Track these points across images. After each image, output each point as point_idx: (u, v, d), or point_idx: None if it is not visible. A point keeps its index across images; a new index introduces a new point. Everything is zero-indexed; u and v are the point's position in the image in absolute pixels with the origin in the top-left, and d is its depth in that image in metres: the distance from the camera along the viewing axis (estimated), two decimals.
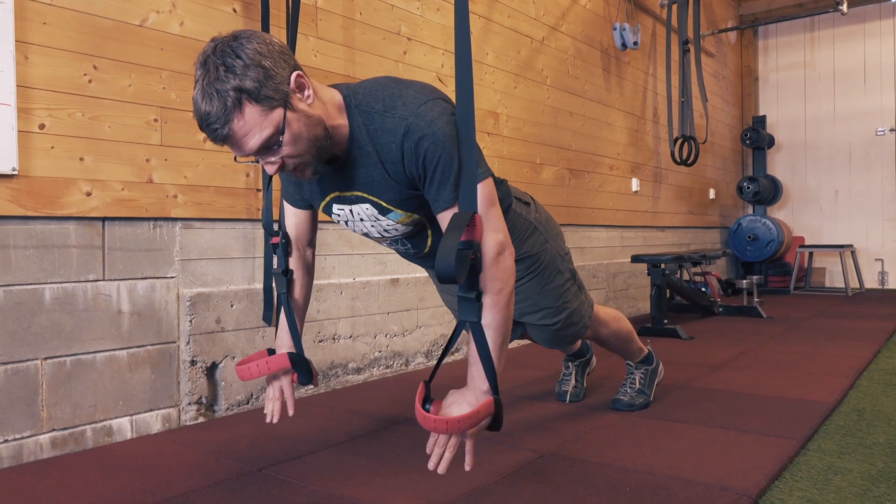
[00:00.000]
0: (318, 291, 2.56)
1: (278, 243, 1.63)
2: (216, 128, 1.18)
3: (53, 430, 1.86)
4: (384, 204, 1.40)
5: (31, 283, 1.82)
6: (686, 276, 4.79)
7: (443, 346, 3.14)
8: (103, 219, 1.97)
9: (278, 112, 1.21)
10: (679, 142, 5.28)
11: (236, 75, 1.16)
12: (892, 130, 6.59)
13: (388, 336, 2.89)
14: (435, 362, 3.06)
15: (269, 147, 1.23)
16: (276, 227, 1.75)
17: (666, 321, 3.85)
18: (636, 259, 4.05)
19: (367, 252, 2.83)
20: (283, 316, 1.64)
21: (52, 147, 1.85)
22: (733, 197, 7.03)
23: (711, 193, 6.46)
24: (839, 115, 6.88)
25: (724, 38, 6.86)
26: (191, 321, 2.15)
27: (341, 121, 1.33)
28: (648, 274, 3.99)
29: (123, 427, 2.01)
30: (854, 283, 6.44)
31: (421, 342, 3.05)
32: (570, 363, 2.38)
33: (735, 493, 1.45)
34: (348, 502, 1.46)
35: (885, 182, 6.62)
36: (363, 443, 1.89)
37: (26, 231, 1.81)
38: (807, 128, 7.06)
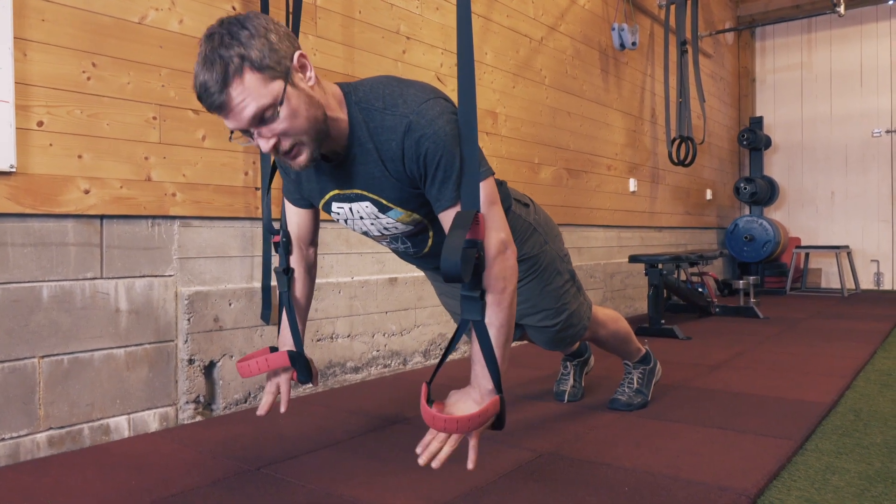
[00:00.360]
0: (317, 290, 2.55)
1: (279, 242, 1.63)
2: (214, 92, 1.17)
3: (50, 428, 1.85)
4: (384, 202, 1.40)
5: (28, 281, 1.81)
6: (683, 277, 4.80)
7: (441, 346, 3.14)
8: (101, 217, 1.96)
9: (278, 84, 1.20)
10: (676, 142, 5.29)
11: (241, 44, 1.17)
12: (888, 132, 6.61)
13: (387, 335, 2.89)
14: (434, 362, 3.07)
15: (264, 119, 1.21)
16: (277, 226, 1.75)
17: (663, 321, 3.86)
18: (633, 259, 4.05)
19: (366, 251, 2.82)
20: (285, 315, 1.64)
21: (51, 144, 1.84)
22: (730, 197, 7.04)
23: (708, 194, 6.47)
24: (836, 116, 6.90)
25: (722, 39, 6.87)
26: (189, 320, 2.15)
27: (341, 114, 1.32)
28: (646, 274, 4.00)
29: (121, 426, 2.00)
30: (850, 284, 6.47)
31: (419, 341, 3.05)
32: (568, 363, 2.38)
33: (734, 493, 1.45)
34: (347, 501, 1.46)
35: (881, 183, 6.65)
36: (361, 442, 1.89)
37: (24, 229, 1.80)
38: (803, 129, 7.08)
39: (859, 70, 6.78)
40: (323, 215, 1.63)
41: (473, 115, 1.26)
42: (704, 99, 5.63)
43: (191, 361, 2.16)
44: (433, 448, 1.23)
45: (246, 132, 1.24)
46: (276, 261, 1.69)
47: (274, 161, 1.71)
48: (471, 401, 1.26)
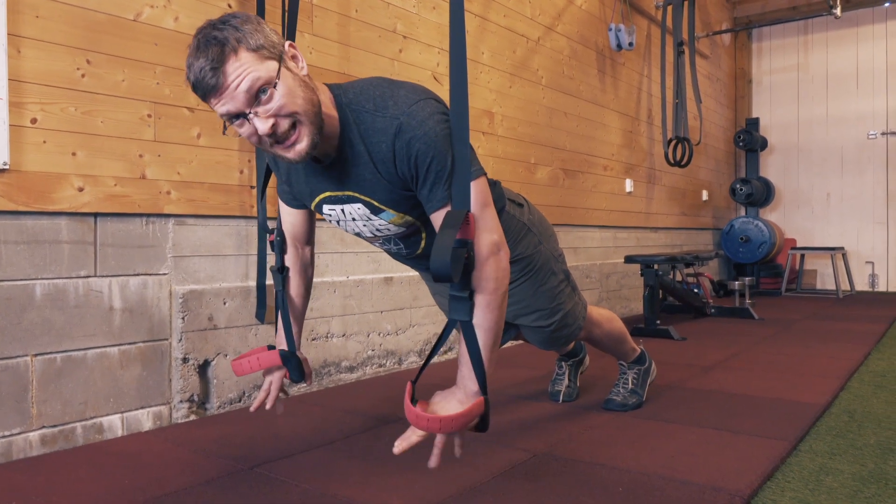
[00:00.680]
0: (312, 289, 2.55)
1: (275, 241, 1.63)
2: (208, 72, 1.16)
3: (43, 427, 1.84)
4: (376, 203, 1.39)
5: (21, 279, 1.80)
6: (679, 277, 4.81)
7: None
8: (95, 214, 1.95)
9: (273, 63, 1.20)
10: (673, 143, 5.29)
11: (234, 28, 1.18)
12: (883, 134, 6.63)
13: (382, 335, 2.88)
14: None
15: (260, 98, 1.19)
16: (272, 224, 1.74)
17: (658, 322, 3.86)
18: (629, 259, 4.05)
19: (361, 250, 2.82)
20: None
21: (44, 142, 1.83)
22: (726, 199, 7.05)
23: (704, 195, 6.48)
24: (832, 118, 6.91)
25: (719, 41, 6.88)
26: (183, 318, 2.14)
27: (332, 113, 1.31)
28: (641, 274, 4.00)
29: (114, 424, 1.99)
30: (845, 286, 6.48)
31: (414, 341, 3.05)
32: (563, 363, 2.38)
33: (728, 494, 1.46)
34: (341, 501, 1.46)
35: (877, 185, 6.66)
36: (356, 441, 1.88)
37: (17, 226, 1.79)
38: (799, 130, 7.09)
39: (855, 72, 6.80)
40: (317, 214, 1.63)
41: (465, 115, 1.25)
42: (701, 100, 5.64)
43: (185, 360, 2.15)
44: (405, 447, 1.23)
45: (241, 115, 1.20)
46: (272, 259, 1.69)
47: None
48: (455, 401, 1.25)
